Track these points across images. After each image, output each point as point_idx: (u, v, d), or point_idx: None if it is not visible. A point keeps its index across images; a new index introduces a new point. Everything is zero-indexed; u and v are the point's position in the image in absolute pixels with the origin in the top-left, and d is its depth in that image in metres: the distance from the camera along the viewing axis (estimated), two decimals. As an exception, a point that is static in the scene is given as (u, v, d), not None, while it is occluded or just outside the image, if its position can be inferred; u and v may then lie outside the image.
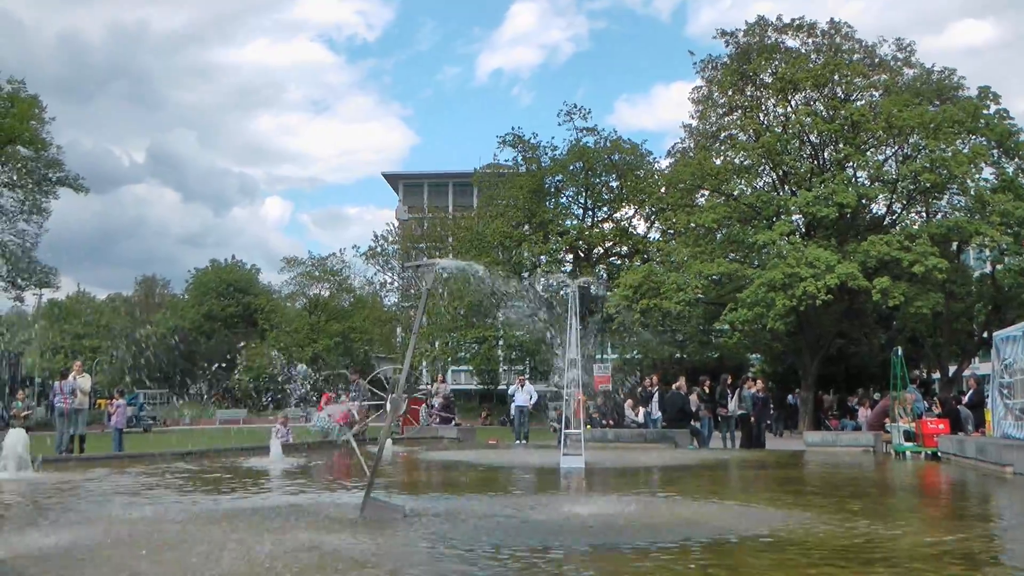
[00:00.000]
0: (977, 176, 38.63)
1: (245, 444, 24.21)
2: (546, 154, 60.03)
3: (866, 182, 40.54)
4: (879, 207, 43.67)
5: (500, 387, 69.38)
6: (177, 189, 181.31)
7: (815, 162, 42.14)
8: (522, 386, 31.32)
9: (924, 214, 43.05)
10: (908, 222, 42.49)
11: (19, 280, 57.70)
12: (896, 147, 41.06)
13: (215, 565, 6.34)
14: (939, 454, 19.47)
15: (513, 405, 31.93)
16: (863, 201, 40.05)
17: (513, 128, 62.31)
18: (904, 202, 42.15)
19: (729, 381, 27.45)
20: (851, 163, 40.45)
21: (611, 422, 28.84)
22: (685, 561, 6.88)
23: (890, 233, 37.96)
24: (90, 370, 36.06)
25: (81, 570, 6.20)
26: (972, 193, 38.14)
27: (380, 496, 9.79)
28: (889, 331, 42.76)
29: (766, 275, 35.94)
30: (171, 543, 7.41)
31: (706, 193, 44.62)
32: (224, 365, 73.84)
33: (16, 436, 15.35)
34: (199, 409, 72.39)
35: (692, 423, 26.22)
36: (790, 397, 42.61)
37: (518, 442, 28.71)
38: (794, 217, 40.87)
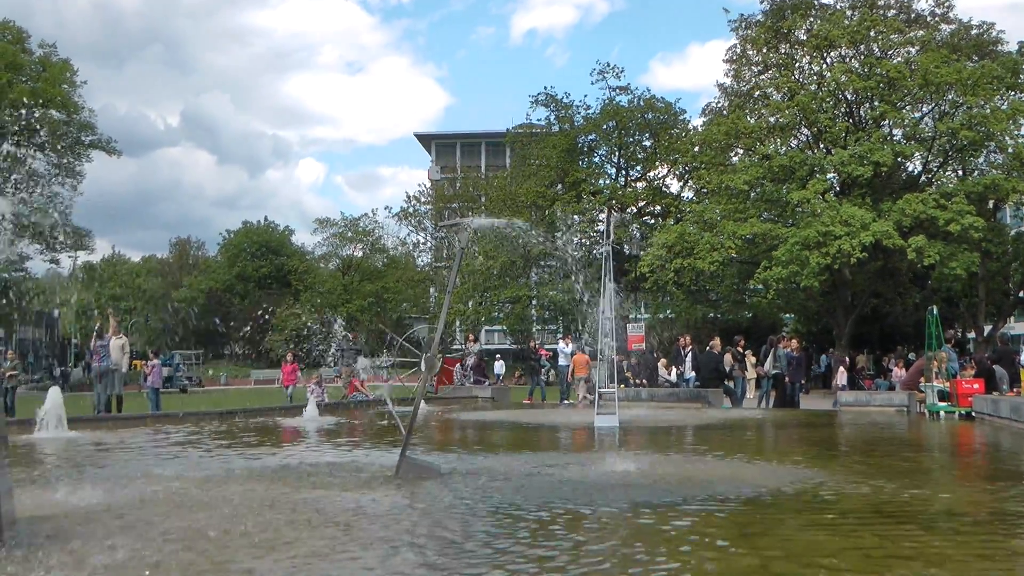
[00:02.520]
0: (1016, 133, 38.06)
1: (280, 404, 24.47)
2: (579, 113, 59.83)
3: (902, 140, 40.08)
4: (915, 165, 43.22)
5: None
6: (212, 152, 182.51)
7: (850, 120, 41.67)
8: (568, 345, 30.78)
9: (961, 172, 42.56)
10: (944, 180, 42.02)
11: (55, 243, 58.35)
12: (933, 104, 40.53)
13: (250, 521, 6.43)
14: (973, 414, 19.38)
15: (559, 364, 31.34)
16: (899, 159, 39.60)
17: (546, 88, 62.04)
18: (940, 160, 41.69)
19: (776, 342, 27.36)
20: (887, 121, 40.01)
21: (644, 381, 28.85)
22: (719, 519, 6.91)
23: (926, 192, 37.55)
24: (126, 331, 36.38)
25: (125, 528, 6.31)
26: (1010, 150, 37.60)
27: (416, 455, 9.88)
28: (924, 291, 42.43)
29: (800, 233, 35.71)
30: (208, 501, 7.52)
31: (740, 152, 44.32)
32: (262, 320, 74.39)
33: (55, 395, 15.57)
34: (234, 369, 73.15)
35: (726, 382, 26.21)
36: (823, 357, 42.43)
37: (566, 402, 28.45)
38: (828, 176, 40.50)
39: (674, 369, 29.52)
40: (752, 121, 43.07)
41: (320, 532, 6.05)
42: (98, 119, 58.63)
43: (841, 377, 29.67)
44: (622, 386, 23.81)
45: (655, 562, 5.30)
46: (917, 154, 40.71)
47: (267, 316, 75.27)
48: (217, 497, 7.75)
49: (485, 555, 5.44)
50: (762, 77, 45.20)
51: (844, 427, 18.39)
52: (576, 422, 18.58)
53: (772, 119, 42.63)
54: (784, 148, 42.44)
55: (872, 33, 41.43)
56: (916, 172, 43.35)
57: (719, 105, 47.90)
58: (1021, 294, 44.63)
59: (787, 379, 26.12)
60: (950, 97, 39.07)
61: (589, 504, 7.45)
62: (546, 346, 37.35)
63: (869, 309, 44.28)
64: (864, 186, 38.44)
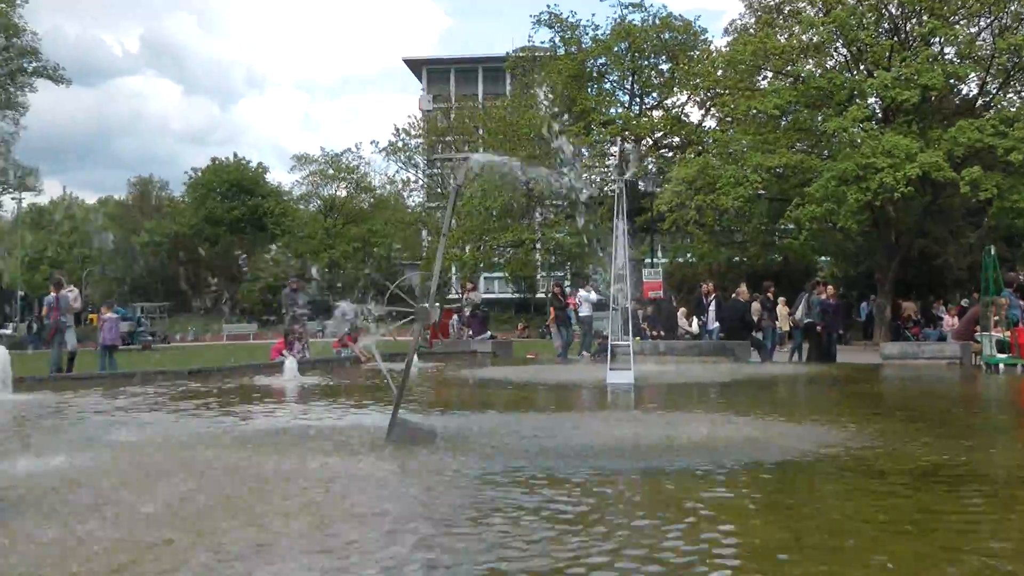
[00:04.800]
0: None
1: (256, 361, 24.43)
2: (587, 34, 59.49)
3: (955, 60, 39.69)
4: (970, 88, 42.84)
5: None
6: (177, 81, 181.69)
7: (895, 38, 41.23)
8: (591, 292, 30.58)
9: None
10: (1005, 104, 41.62)
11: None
12: (992, 18, 40.07)
13: (218, 491, 6.37)
14: (1037, 366, 19.33)
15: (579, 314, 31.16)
16: (951, 81, 39.22)
17: (550, 6, 61.46)
18: (1000, 81, 41.23)
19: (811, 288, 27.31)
20: (937, 38, 39.56)
21: (662, 333, 28.83)
22: (747, 485, 6.83)
23: (982, 117, 37.23)
24: (79, 281, 36.45)
25: (81, 498, 6.26)
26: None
27: (409, 417, 9.82)
28: (979, 229, 42.26)
29: (837, 166, 35.51)
30: (171, 469, 7.46)
31: (769, 75, 43.97)
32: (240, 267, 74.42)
33: (2, 355, 15.50)
34: (204, 323, 73.24)
35: (753, 334, 26.16)
36: (864, 304, 42.40)
37: (583, 354, 28.57)
38: (870, 101, 40.17)
39: (695, 319, 29.48)
40: (782, 40, 42.67)
41: (294, 504, 5.98)
42: (43, 43, 58.21)
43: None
44: (637, 339, 23.77)
45: (672, 536, 5.23)
46: (973, 75, 40.35)
47: (241, 264, 75.30)
48: (181, 466, 7.68)
49: (480, 531, 5.37)
50: (794, -11, 44.76)
51: (888, 382, 18.35)
52: (586, 379, 18.55)
53: (805, 37, 42.21)
54: (819, 70, 42.08)
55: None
56: (971, 95, 42.99)
57: (745, 23, 47.48)
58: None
59: (822, 329, 26.03)
60: (1012, 8, 38.65)
61: (599, 471, 7.39)
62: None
63: (916, 251, 44.15)
64: (910, 112, 38.11)
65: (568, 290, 31.83)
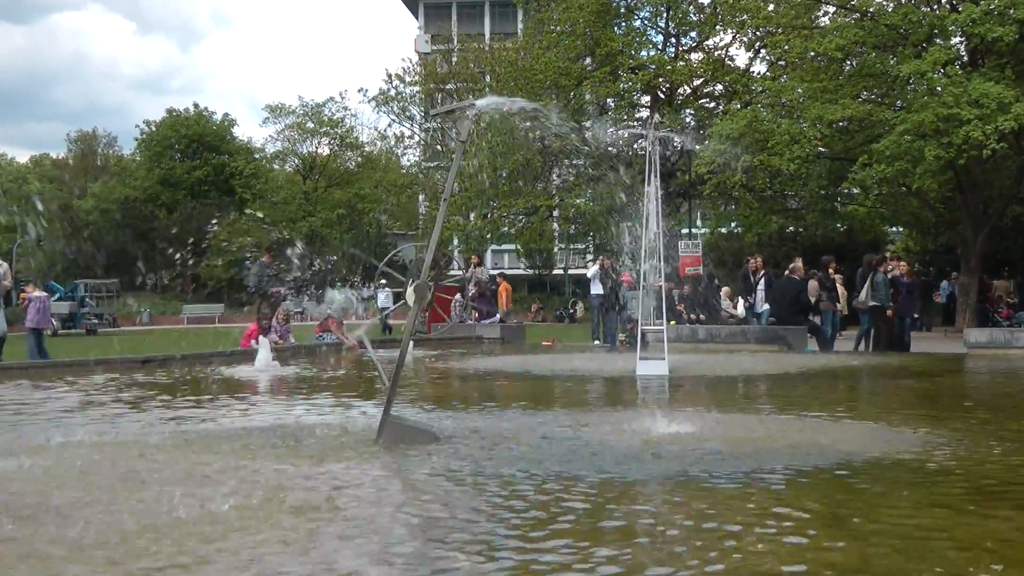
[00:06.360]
0: None
1: (223, 348, 24.47)
2: (615, -38, 59.13)
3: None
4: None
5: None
6: (129, 17, 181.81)
7: (985, -38, 40.96)
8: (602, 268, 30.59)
9: None
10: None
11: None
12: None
13: (178, 503, 6.35)
14: None
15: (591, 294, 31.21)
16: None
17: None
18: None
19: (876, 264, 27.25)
20: (1039, -39, 39.25)
21: (702, 317, 28.82)
22: (804, 495, 6.80)
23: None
24: (8, 255, 36.54)
25: (26, 506, 6.25)
26: None
27: (402, 415, 9.82)
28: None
29: (912, 118, 35.22)
30: (123, 475, 7.44)
31: (830, 10, 43.73)
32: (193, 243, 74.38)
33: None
34: (160, 303, 73.29)
35: (810, 318, 26.11)
36: (944, 283, 42.28)
37: (596, 343, 28.71)
38: (954, 41, 39.83)
39: (741, 301, 29.47)
40: (848, -33, 42.47)
41: (261, 520, 5.96)
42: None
43: None
44: (672, 323, 23.77)
45: (717, 553, 5.20)
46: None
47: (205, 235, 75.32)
48: (132, 470, 7.67)
49: (482, 550, 5.34)
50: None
51: (973, 376, 18.30)
52: (613, 370, 18.56)
53: (875, -37, 41.99)
54: (891, 4, 41.81)
55: None
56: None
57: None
58: None
59: (891, 312, 25.96)
60: None
61: (616, 477, 7.37)
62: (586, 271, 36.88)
63: (1009, 220, 43.94)
64: (1004, 54, 37.77)
65: (620, 267, 31.38)
